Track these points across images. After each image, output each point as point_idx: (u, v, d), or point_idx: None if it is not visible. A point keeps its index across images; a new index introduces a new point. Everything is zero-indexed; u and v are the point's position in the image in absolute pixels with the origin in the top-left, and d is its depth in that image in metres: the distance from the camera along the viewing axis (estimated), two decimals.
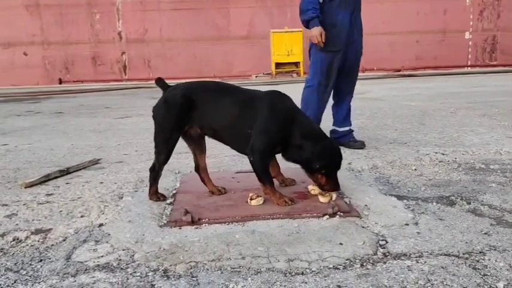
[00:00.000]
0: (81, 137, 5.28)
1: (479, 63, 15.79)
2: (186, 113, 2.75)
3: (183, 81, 3.36)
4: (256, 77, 14.75)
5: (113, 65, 15.16)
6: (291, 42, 14.21)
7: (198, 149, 2.94)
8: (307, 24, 3.98)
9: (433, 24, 15.30)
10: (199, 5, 14.89)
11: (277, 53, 14.31)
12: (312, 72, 4.19)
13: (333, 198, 2.72)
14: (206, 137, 2.92)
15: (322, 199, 2.72)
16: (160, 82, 2.93)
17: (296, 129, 2.67)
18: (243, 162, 3.65)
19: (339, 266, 1.97)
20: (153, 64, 15.05)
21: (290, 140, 2.68)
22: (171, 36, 15.01)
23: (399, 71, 14.87)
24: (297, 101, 2.86)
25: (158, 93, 2.99)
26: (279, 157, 2.91)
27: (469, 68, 15.58)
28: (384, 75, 13.94)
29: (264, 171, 2.73)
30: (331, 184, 2.71)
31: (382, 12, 15.14)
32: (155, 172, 2.86)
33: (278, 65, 14.48)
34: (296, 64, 14.54)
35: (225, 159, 3.90)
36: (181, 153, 3.81)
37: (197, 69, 14.79)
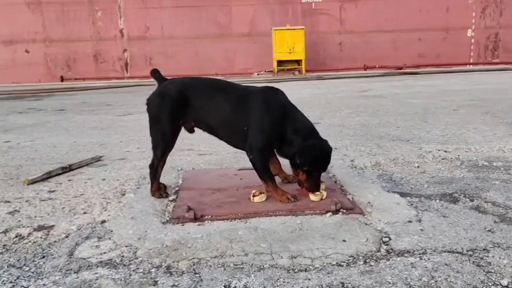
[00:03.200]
0: (83, 134, 5.28)
1: (481, 60, 15.76)
2: (180, 108, 2.75)
3: None
4: (258, 74, 14.75)
5: (115, 62, 15.18)
6: (293, 40, 14.18)
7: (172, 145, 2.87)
8: None
9: (436, 21, 15.27)
10: (200, 2, 14.88)
11: (278, 51, 14.29)
12: None
13: (324, 197, 2.69)
14: (206, 134, 2.92)
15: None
16: (156, 74, 2.90)
17: (289, 125, 2.68)
18: (245, 159, 3.63)
19: (342, 263, 1.97)
20: (154, 62, 15.05)
21: (285, 136, 2.68)
22: (172, 33, 15.01)
23: (401, 68, 14.84)
24: (295, 97, 2.84)
25: None
26: None
27: (471, 65, 15.56)
28: (386, 72, 13.91)
29: (264, 168, 2.73)
30: (310, 183, 2.68)
31: (384, 10, 15.13)
32: (154, 168, 2.85)
33: (280, 62, 14.47)
34: (298, 62, 14.52)
35: (227, 156, 3.89)
36: (183, 150, 3.81)
37: (199, 67, 14.79)
